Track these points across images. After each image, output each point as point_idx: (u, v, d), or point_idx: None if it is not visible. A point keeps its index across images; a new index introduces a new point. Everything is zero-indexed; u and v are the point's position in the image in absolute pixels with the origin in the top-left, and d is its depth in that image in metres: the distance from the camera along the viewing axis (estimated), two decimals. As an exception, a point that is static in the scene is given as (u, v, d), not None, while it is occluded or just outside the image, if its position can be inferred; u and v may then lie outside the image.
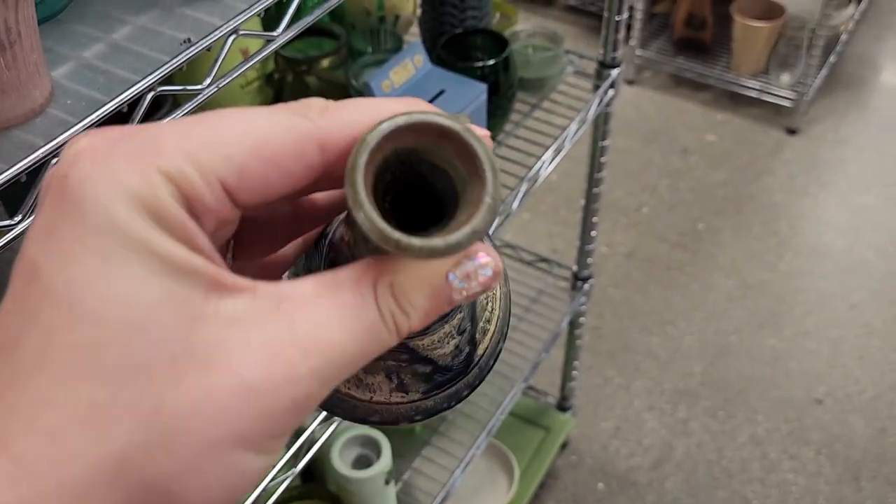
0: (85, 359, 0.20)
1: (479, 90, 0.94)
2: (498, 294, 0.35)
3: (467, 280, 0.24)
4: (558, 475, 1.62)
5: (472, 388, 0.35)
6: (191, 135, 0.22)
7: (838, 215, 2.11)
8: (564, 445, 1.65)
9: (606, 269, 1.99)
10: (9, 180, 0.42)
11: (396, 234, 0.23)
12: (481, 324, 0.34)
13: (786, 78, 2.32)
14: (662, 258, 2.02)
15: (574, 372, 1.54)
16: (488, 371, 0.35)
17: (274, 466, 0.24)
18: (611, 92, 1.15)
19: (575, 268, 1.42)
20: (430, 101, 0.92)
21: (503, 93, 1.01)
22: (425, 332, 0.32)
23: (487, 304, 0.34)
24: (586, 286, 1.41)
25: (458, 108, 0.92)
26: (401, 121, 0.24)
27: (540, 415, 1.56)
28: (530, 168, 1.03)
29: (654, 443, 1.67)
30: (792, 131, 2.33)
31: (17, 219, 0.43)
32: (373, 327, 0.23)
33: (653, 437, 1.68)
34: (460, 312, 0.32)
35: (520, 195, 1.01)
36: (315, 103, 0.24)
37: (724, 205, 2.15)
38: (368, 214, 0.23)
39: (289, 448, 0.87)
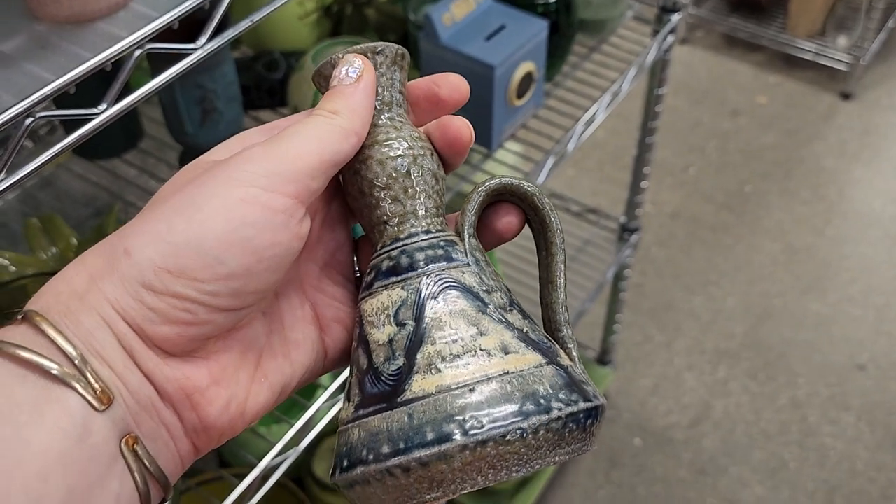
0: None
1: (541, 27, 0.93)
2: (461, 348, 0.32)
3: (344, 75, 0.34)
4: (595, 428, 1.63)
5: (392, 445, 0.30)
6: None
7: (889, 182, 2.07)
8: (602, 400, 1.65)
9: (651, 227, 1.97)
10: (95, 68, 0.43)
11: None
12: (429, 347, 0.31)
13: (843, 41, 2.27)
14: (708, 219, 2.00)
15: (616, 325, 1.54)
16: (414, 443, 0.30)
17: (291, 224, 0.30)
18: (670, 38, 1.13)
19: (623, 219, 1.41)
20: (490, 37, 0.92)
21: (563, 32, 0.99)
22: (370, 290, 0.34)
23: (453, 339, 0.32)
24: (633, 238, 1.40)
25: (519, 44, 0.91)
26: None
27: (580, 367, 1.56)
28: (586, 110, 1.02)
29: (693, 401, 1.67)
30: (846, 96, 2.28)
31: (102, 107, 0.44)
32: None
33: (692, 396, 1.68)
34: (402, 288, 0.33)
35: (576, 136, 1.00)
36: None
37: (772, 168, 2.12)
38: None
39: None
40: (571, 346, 0.36)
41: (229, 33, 0.51)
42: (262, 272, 0.31)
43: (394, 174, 0.34)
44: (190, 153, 0.90)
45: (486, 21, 0.92)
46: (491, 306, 0.33)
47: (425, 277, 0.33)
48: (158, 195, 0.33)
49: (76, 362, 0.28)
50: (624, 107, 2.17)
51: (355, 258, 0.38)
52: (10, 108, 0.41)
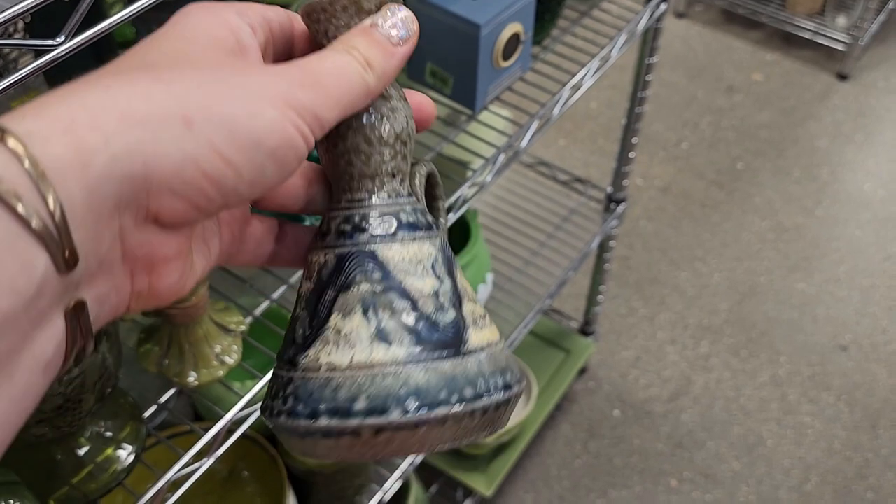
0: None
1: (529, -13, 0.91)
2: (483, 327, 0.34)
3: (393, 28, 0.33)
4: (575, 399, 1.63)
5: (474, 388, 0.32)
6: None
7: (882, 165, 2.07)
8: (583, 371, 1.66)
9: (640, 201, 1.96)
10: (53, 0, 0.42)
11: None
12: (468, 305, 0.34)
13: (842, 21, 2.25)
14: (698, 194, 2.00)
15: (599, 297, 1.54)
16: (491, 387, 0.32)
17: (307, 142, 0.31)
18: (663, 6, 1.12)
19: (609, 189, 1.40)
20: (478, -4, 0.90)
21: (553, -6, 0.98)
22: (395, 236, 0.34)
23: (474, 300, 0.35)
24: (619, 208, 1.39)
25: (506, 5, 0.89)
26: None
27: (561, 337, 1.56)
28: (574, 75, 1.01)
29: (674, 375, 1.67)
30: (843, 77, 2.27)
31: (60, 39, 0.42)
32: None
33: (673, 370, 1.68)
34: (430, 244, 0.34)
35: (561, 101, 0.99)
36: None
37: (765, 146, 2.11)
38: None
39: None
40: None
41: (199, -28, 0.50)
42: (257, 182, 0.29)
43: (401, 133, 0.35)
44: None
45: (473, -21, 0.91)
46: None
47: (445, 238, 0.35)
48: (166, 51, 0.30)
49: (56, 218, 0.24)
50: (619, 79, 2.16)
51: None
52: (-38, 35, 0.40)
